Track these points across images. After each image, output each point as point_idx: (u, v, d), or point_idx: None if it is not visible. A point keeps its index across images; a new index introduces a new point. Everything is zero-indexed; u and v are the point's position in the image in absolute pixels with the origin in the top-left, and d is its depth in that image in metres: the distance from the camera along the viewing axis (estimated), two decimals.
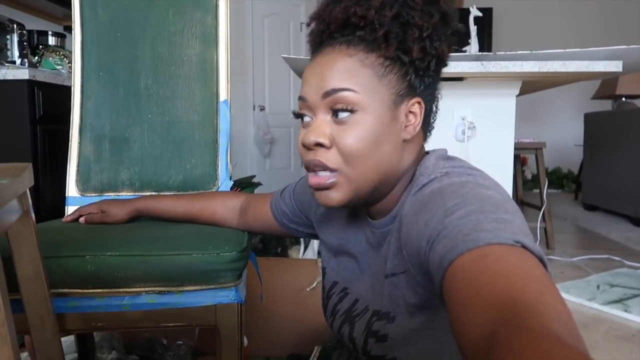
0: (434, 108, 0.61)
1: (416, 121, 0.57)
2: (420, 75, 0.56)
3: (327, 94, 0.53)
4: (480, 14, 1.99)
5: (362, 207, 0.63)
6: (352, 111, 0.53)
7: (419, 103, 0.56)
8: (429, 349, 0.54)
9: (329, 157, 0.54)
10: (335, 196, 0.55)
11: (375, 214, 0.61)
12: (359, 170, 0.54)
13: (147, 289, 0.80)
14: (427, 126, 0.61)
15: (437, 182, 0.52)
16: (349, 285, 0.67)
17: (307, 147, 0.55)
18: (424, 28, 0.53)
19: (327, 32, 0.57)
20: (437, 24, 0.54)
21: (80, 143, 1.18)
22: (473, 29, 2.00)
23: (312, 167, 0.55)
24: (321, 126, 0.54)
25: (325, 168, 0.54)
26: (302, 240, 1.91)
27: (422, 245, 0.47)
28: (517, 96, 1.82)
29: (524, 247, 0.41)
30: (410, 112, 0.56)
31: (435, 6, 0.54)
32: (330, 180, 0.54)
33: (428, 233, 0.47)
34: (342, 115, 0.53)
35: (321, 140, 0.54)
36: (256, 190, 2.40)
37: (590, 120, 3.80)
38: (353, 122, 0.53)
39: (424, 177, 0.54)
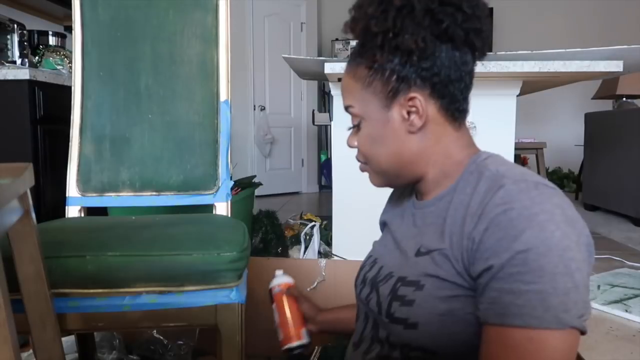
0: (450, 88, 0.60)
1: (419, 113, 0.59)
2: (409, 69, 0.58)
3: (346, 111, 0.66)
4: None
5: (411, 187, 0.70)
6: (359, 122, 0.64)
7: (414, 98, 0.59)
8: (454, 324, 0.55)
9: (359, 154, 0.67)
10: (371, 180, 0.68)
11: (420, 195, 0.67)
12: (375, 164, 0.65)
13: (147, 289, 0.80)
14: (447, 108, 0.60)
15: (520, 201, 0.50)
16: (378, 257, 0.71)
17: None
18: (388, 30, 0.56)
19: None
20: (398, 19, 0.55)
21: (80, 143, 1.18)
22: None
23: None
24: (353, 133, 0.67)
25: (359, 162, 0.68)
26: (302, 240, 1.91)
27: (481, 260, 0.51)
28: (517, 96, 1.81)
29: (573, 327, 0.47)
30: (411, 106, 0.59)
31: (387, 3, 0.56)
32: (363, 169, 0.68)
33: (492, 258, 0.49)
34: (357, 123, 0.65)
35: (350, 144, 0.68)
36: (256, 191, 2.40)
37: (591, 120, 3.80)
38: (362, 128, 0.64)
39: (494, 178, 0.54)
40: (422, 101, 0.59)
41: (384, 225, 0.78)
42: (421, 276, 0.57)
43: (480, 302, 0.51)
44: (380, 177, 0.66)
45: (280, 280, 0.94)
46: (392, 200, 0.79)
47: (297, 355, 0.88)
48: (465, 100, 0.62)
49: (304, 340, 0.88)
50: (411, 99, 0.59)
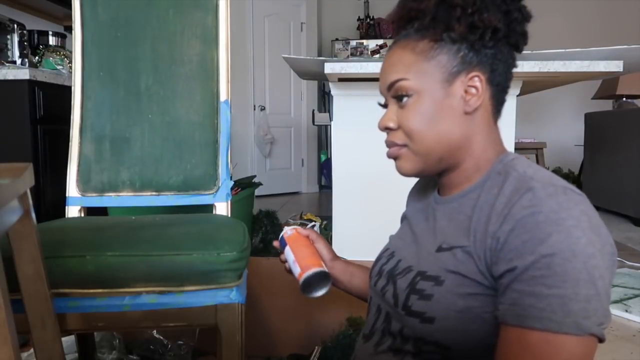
0: (503, 77, 0.62)
1: (478, 93, 0.60)
2: (475, 49, 0.59)
3: (389, 87, 0.63)
4: None
5: (436, 178, 0.69)
6: (408, 96, 0.61)
7: (477, 76, 0.60)
8: (471, 321, 0.55)
9: (396, 136, 0.64)
10: (404, 165, 0.64)
11: (445, 189, 0.66)
12: (421, 144, 0.61)
13: (147, 289, 0.80)
14: (496, 98, 0.62)
15: (548, 205, 0.50)
16: (396, 250, 0.71)
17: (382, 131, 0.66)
18: (468, 4, 0.57)
19: (395, 30, 0.66)
20: None
21: (80, 143, 1.18)
22: None
23: (387, 145, 0.65)
24: (389, 113, 0.64)
25: (394, 145, 0.64)
26: None
27: (504, 260, 0.51)
28: (517, 96, 1.81)
29: (591, 334, 0.47)
30: (470, 85, 0.60)
31: None
32: (397, 152, 0.64)
33: (516, 259, 0.49)
34: (403, 100, 0.62)
35: (386, 124, 0.64)
36: (256, 191, 2.40)
37: (591, 120, 3.80)
38: (410, 104, 0.61)
39: (521, 179, 0.54)
40: (483, 82, 0.60)
41: (404, 219, 0.78)
42: (442, 272, 0.58)
43: (500, 302, 0.51)
44: (419, 160, 0.62)
45: (291, 228, 0.87)
46: (413, 194, 0.78)
47: (297, 356, 0.86)
48: (504, 94, 0.64)
49: (324, 267, 0.78)
50: (474, 77, 0.60)
